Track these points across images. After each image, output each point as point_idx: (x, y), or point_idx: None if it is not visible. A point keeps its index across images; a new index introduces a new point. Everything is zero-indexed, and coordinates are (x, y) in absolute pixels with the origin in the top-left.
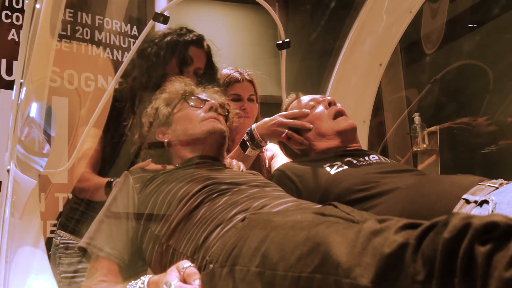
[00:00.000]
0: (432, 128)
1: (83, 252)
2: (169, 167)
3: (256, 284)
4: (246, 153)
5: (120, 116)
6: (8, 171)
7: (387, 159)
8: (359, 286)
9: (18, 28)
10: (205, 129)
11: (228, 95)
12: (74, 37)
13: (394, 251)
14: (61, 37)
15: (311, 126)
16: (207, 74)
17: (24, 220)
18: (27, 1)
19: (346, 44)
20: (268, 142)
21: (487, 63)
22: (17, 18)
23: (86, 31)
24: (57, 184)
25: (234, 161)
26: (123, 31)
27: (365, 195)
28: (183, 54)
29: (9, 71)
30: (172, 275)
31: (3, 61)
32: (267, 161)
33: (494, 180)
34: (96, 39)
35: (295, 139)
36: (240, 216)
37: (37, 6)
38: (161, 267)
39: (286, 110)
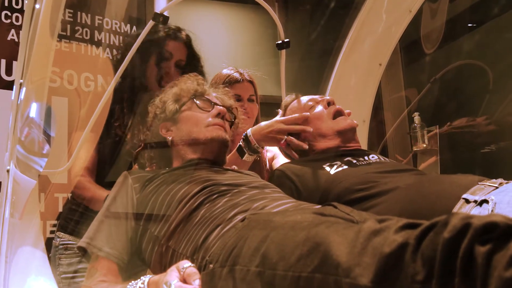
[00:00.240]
0: (432, 128)
1: (83, 252)
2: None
3: (256, 284)
4: (243, 159)
5: (111, 118)
6: (8, 171)
7: (386, 158)
8: (359, 286)
9: (18, 28)
10: (209, 135)
11: None
12: (73, 37)
13: (394, 251)
14: (60, 37)
15: (311, 129)
16: (190, 64)
17: (24, 221)
18: (26, 1)
19: (345, 44)
20: (265, 147)
21: (487, 63)
22: (17, 19)
23: (86, 31)
24: (56, 184)
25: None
26: (122, 31)
27: (364, 194)
28: (160, 50)
29: (9, 71)
30: (172, 275)
31: (3, 61)
32: (267, 162)
33: (494, 180)
34: (96, 39)
35: (294, 145)
36: (240, 217)
37: (37, 6)
38: (161, 267)
39: (285, 110)
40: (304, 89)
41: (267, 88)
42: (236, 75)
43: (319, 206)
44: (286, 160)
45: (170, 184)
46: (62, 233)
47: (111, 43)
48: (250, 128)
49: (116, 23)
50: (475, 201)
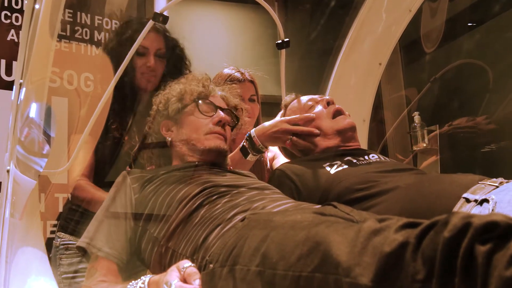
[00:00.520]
0: (432, 127)
1: (83, 252)
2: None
3: (256, 284)
4: (247, 159)
5: (108, 120)
6: (8, 171)
7: (386, 158)
8: (359, 285)
9: (18, 28)
10: (208, 145)
11: None
12: (73, 37)
13: (394, 250)
14: (60, 37)
15: (318, 132)
16: (170, 49)
17: (24, 221)
18: (26, 2)
19: (345, 43)
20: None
21: (487, 62)
22: (17, 19)
23: (86, 31)
24: (57, 185)
25: None
26: None
27: (364, 194)
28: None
29: (9, 72)
30: (172, 275)
31: (3, 61)
32: (268, 162)
33: (494, 179)
34: (96, 39)
35: (301, 145)
36: (239, 216)
37: (37, 6)
38: (160, 267)
39: (285, 110)
40: (304, 88)
41: (267, 87)
42: (237, 74)
43: (319, 206)
44: (287, 160)
45: (170, 185)
46: (62, 233)
47: None
48: (254, 129)
49: (116, 23)
50: (476, 200)
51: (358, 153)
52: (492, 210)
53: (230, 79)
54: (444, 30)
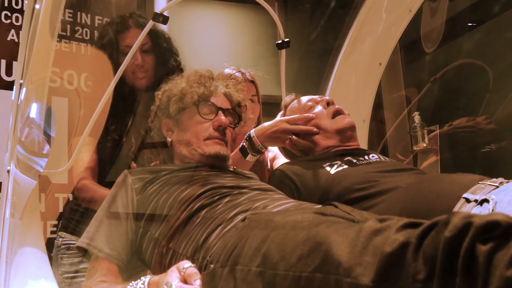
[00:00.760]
0: (432, 127)
1: (83, 252)
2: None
3: (257, 284)
4: (246, 159)
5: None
6: (8, 171)
7: (386, 158)
8: (360, 285)
9: (18, 28)
10: (207, 151)
11: None
12: (73, 38)
13: (395, 250)
14: (60, 37)
15: (318, 130)
16: (155, 41)
17: (24, 221)
18: (26, 2)
19: (345, 44)
20: (268, 147)
21: (487, 62)
22: (17, 19)
23: (86, 31)
24: (57, 185)
25: None
26: None
27: (364, 194)
28: (119, 49)
29: (9, 72)
30: (172, 276)
31: (3, 61)
32: (269, 162)
33: (494, 179)
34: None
35: (300, 145)
36: (240, 217)
37: (37, 6)
38: (161, 268)
39: (285, 111)
40: (304, 88)
41: (267, 88)
42: (238, 75)
43: (320, 205)
44: (287, 160)
45: (172, 186)
46: (64, 233)
47: None
48: (254, 129)
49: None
50: (476, 201)
51: (358, 153)
52: (492, 210)
53: (231, 79)
54: (444, 30)
